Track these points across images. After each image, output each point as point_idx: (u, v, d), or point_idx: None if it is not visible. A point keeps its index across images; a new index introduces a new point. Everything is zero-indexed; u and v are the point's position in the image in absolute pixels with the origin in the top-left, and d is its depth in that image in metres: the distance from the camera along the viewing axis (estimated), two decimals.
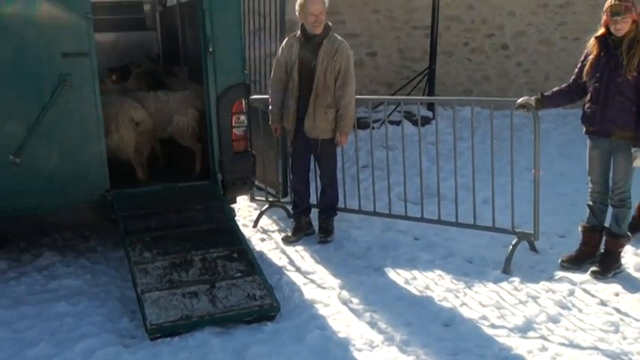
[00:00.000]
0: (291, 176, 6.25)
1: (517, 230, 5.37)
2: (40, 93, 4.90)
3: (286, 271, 5.30)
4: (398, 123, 7.71)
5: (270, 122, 6.03)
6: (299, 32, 5.70)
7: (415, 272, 5.20)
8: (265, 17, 7.05)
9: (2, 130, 4.84)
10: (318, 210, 6.09)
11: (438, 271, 5.20)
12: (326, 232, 5.96)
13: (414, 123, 7.92)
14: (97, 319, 4.45)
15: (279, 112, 5.87)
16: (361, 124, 6.86)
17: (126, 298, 4.80)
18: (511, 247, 5.25)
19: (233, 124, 5.50)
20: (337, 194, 6.09)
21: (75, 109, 5.02)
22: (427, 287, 4.91)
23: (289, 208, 6.44)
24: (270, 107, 5.96)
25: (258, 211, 6.62)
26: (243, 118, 5.56)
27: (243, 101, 5.54)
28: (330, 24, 5.68)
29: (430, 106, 9.53)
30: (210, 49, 5.30)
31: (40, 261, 5.49)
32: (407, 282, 5.01)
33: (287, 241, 5.97)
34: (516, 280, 4.94)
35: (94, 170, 5.17)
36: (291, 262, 5.50)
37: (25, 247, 5.80)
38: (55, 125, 4.96)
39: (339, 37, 5.67)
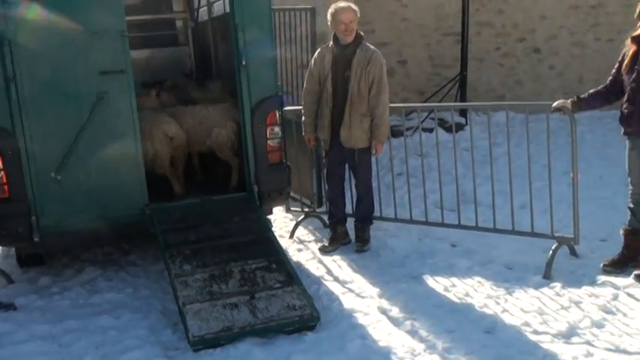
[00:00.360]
0: (327, 186, 6.26)
1: (557, 235, 5.29)
2: (79, 111, 5.00)
3: (324, 281, 5.31)
4: (431, 130, 7.68)
5: (303, 133, 6.07)
6: (331, 43, 5.73)
7: (454, 279, 5.17)
8: (296, 29, 7.11)
9: (43, 148, 4.95)
10: (354, 219, 6.10)
11: (478, 278, 5.15)
12: (363, 241, 5.96)
13: (448, 130, 7.90)
14: (140, 332, 4.51)
15: (313, 123, 5.91)
16: (394, 132, 6.85)
17: (167, 310, 4.86)
18: (551, 252, 5.17)
19: (268, 136, 5.55)
20: (373, 203, 6.08)
21: (113, 126, 5.12)
22: (467, 294, 4.88)
23: (325, 218, 6.45)
24: (303, 118, 6.00)
25: (294, 222, 6.65)
26: (277, 129, 5.61)
27: (277, 113, 5.60)
28: (362, 33, 5.69)
29: (462, 113, 9.51)
30: (243, 63, 5.36)
31: (82, 276, 5.60)
32: (446, 289, 4.98)
33: (324, 250, 5.98)
34: (558, 285, 4.86)
35: (132, 185, 5.26)
36: (329, 272, 5.51)
37: (67, 263, 5.92)
38: (94, 142, 5.06)
39: (372, 47, 5.68)
